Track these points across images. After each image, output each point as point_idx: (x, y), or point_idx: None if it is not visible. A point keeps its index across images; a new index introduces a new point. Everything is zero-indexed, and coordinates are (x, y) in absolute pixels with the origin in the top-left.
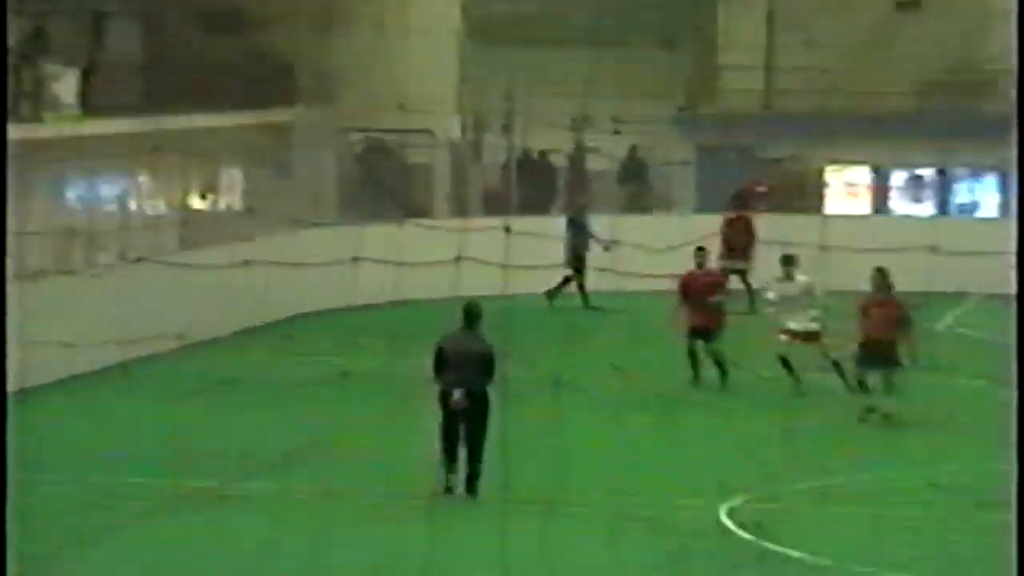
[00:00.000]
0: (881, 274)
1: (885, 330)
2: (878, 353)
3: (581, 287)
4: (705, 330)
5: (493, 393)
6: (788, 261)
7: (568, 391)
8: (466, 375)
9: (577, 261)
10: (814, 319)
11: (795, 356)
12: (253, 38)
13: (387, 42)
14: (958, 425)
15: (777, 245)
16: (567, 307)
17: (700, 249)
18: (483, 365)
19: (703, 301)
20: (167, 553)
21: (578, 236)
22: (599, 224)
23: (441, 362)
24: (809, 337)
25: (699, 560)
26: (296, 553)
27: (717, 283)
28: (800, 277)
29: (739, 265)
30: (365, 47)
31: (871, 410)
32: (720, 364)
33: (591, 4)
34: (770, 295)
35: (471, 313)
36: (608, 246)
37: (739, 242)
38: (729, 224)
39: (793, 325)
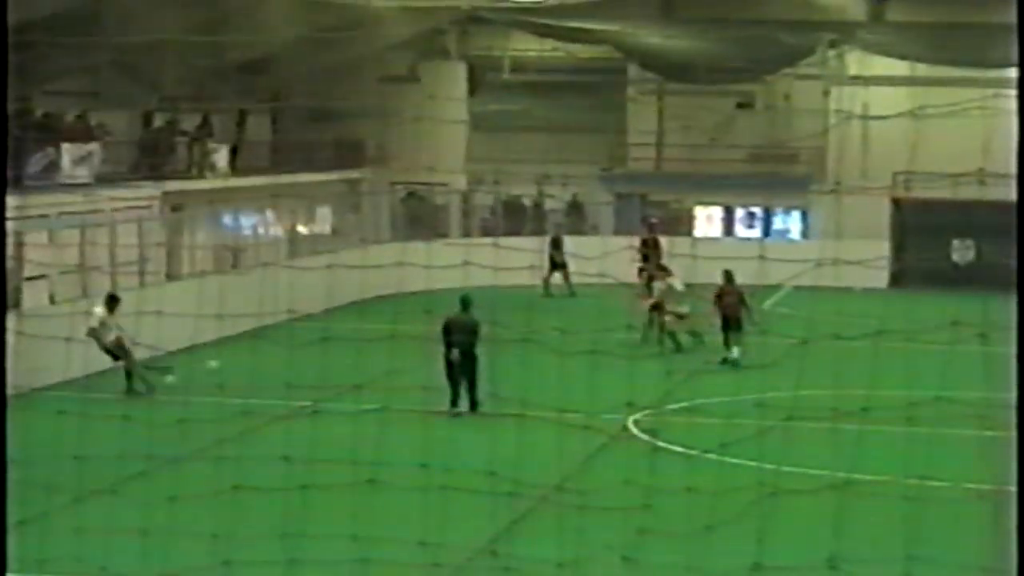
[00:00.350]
0: (728, 273)
1: (733, 308)
2: (733, 322)
3: (546, 281)
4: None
5: (480, 349)
6: (661, 268)
7: (532, 345)
8: (461, 339)
9: (560, 265)
10: (684, 305)
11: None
12: (339, 126)
13: (421, 128)
14: (778, 368)
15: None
16: (536, 294)
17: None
18: (472, 333)
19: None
20: (285, 448)
21: (557, 249)
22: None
23: (446, 331)
24: (681, 317)
25: (614, 451)
26: (366, 447)
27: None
28: (672, 280)
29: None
30: (407, 131)
31: (726, 359)
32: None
33: (549, 104)
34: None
35: (465, 300)
36: (563, 262)
37: (651, 253)
38: (644, 243)
39: (674, 309)
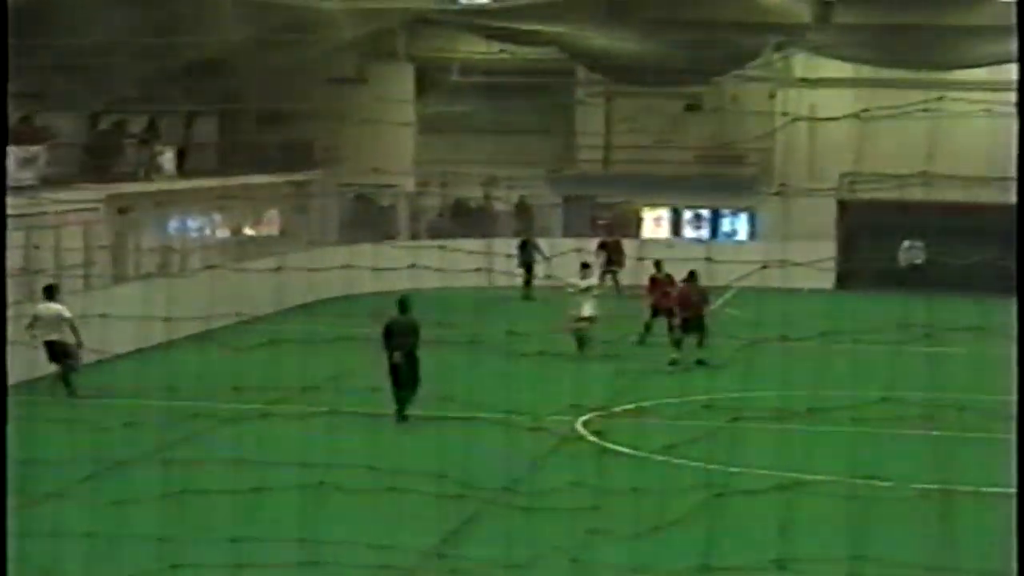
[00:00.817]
0: (692, 274)
1: (698, 308)
2: (695, 322)
3: (528, 283)
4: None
5: (421, 351)
6: (585, 266)
7: (481, 347)
8: (402, 342)
9: (527, 268)
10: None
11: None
12: (287, 128)
13: (369, 130)
14: (726, 369)
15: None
16: (488, 296)
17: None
18: (413, 335)
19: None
20: (235, 451)
21: (527, 252)
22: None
23: (388, 335)
24: (587, 320)
25: (563, 453)
26: (316, 450)
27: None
28: (591, 279)
29: (614, 268)
30: (356, 133)
31: (675, 362)
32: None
33: (496, 106)
34: (570, 288)
35: (404, 302)
36: (548, 258)
37: (615, 254)
38: (603, 245)
39: (581, 312)
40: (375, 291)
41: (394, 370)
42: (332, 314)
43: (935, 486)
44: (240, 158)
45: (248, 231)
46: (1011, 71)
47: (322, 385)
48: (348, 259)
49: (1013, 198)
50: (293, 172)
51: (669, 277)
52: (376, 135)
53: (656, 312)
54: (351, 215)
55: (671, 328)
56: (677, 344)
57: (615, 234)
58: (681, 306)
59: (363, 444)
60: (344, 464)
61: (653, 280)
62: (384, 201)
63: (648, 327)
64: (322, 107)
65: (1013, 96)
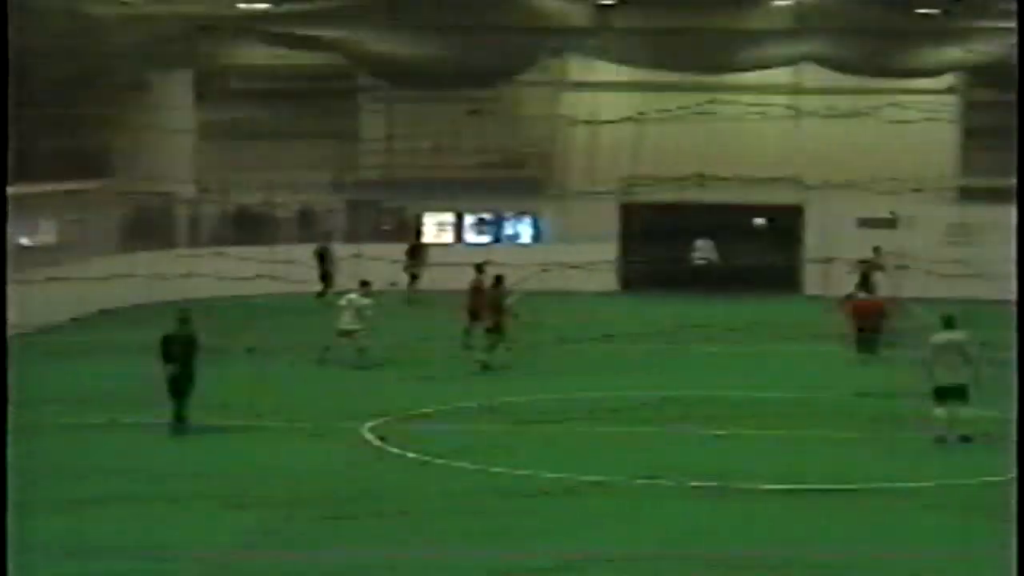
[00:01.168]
0: (497, 278)
1: (501, 313)
2: (496, 327)
3: (324, 292)
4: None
5: (198, 365)
6: (364, 284)
7: (263, 354)
8: (179, 353)
9: (324, 276)
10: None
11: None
12: (67, 136)
13: (150, 137)
14: (510, 372)
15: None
16: (273, 304)
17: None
18: (190, 346)
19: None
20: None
21: (325, 260)
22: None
23: (165, 345)
24: (349, 333)
25: (353, 458)
26: (96, 459)
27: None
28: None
29: (416, 272)
30: (136, 140)
31: (486, 366)
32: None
33: (279, 112)
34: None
35: (182, 315)
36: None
37: (419, 259)
38: (412, 249)
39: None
40: (154, 300)
41: (172, 382)
42: (109, 325)
43: (715, 483)
44: (15, 166)
45: (24, 241)
46: (783, 75)
47: (99, 397)
48: (128, 268)
49: (792, 198)
50: (71, 180)
51: (480, 282)
52: (156, 142)
53: (475, 316)
54: (131, 223)
55: (485, 331)
56: (491, 348)
57: (414, 239)
58: (490, 310)
59: (142, 454)
60: (121, 471)
61: (477, 286)
62: (165, 209)
63: (468, 331)
64: (102, 114)
65: (785, 99)
